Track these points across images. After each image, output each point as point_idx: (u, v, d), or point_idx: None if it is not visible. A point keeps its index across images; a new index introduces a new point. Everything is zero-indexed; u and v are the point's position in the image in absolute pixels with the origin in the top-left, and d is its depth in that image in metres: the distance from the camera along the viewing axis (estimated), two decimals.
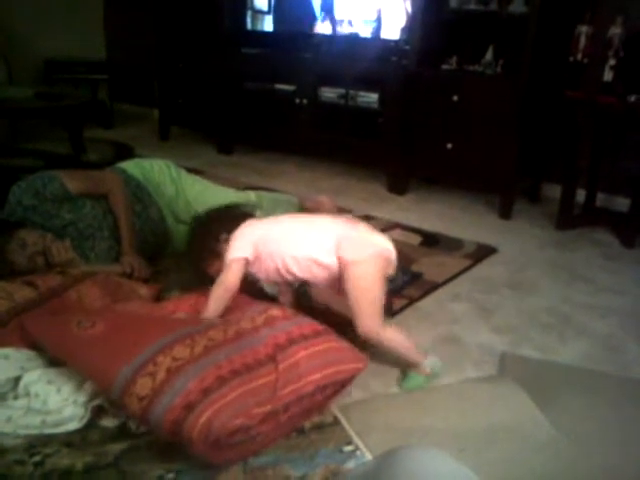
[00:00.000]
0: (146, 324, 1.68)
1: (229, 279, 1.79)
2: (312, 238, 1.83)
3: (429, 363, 1.82)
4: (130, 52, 5.58)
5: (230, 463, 1.41)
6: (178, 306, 1.88)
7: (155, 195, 2.52)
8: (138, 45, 5.42)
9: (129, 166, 2.56)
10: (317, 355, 1.57)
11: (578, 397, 1.79)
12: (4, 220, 2.13)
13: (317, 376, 1.51)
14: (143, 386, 1.39)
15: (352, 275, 1.75)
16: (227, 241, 1.86)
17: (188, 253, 2.08)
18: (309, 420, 1.57)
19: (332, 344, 1.65)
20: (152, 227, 2.45)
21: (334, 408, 1.64)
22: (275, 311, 1.72)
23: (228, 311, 1.79)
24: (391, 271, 1.85)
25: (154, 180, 2.55)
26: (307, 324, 1.68)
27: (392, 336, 1.78)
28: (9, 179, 2.34)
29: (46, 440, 1.46)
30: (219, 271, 1.83)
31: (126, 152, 3.63)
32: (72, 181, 2.25)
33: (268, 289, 2.11)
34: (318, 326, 1.69)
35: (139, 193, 2.46)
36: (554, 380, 1.89)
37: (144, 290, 2.10)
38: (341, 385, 1.60)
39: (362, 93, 3.77)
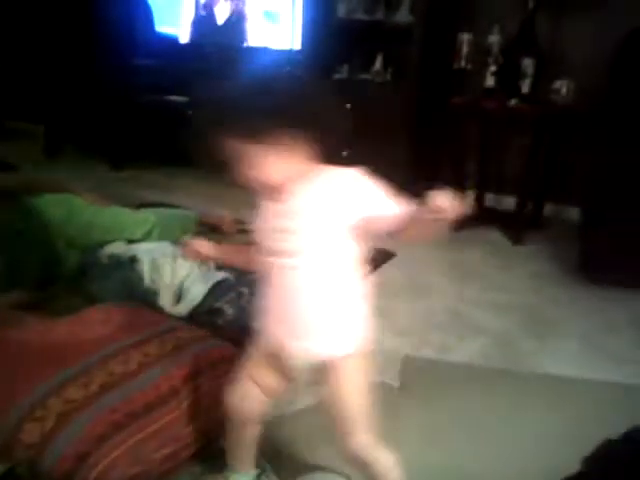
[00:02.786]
0: (38, 357, 1.56)
1: None
2: None
3: None
4: (12, 61, 5.24)
5: None
6: (79, 324, 1.74)
7: (44, 217, 2.38)
8: (22, 54, 5.11)
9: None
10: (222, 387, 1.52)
11: (476, 394, 1.86)
12: None
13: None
14: (31, 433, 1.30)
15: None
16: None
17: None
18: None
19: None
20: (40, 250, 2.32)
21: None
22: (184, 332, 1.66)
23: (132, 328, 1.69)
24: None
25: (43, 201, 2.41)
26: (217, 348, 1.64)
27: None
28: None
29: None
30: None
31: (8, 171, 3.40)
32: None
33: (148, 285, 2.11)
34: (228, 350, 1.65)
35: (26, 214, 2.32)
36: (454, 380, 1.96)
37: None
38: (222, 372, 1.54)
39: None
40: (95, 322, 1.73)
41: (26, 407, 1.34)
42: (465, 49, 3.26)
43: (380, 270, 2.74)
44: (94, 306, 1.86)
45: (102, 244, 2.44)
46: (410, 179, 3.43)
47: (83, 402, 1.37)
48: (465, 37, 3.25)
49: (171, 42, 4.21)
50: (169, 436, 1.36)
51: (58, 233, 2.40)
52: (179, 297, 2.22)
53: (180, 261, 2.34)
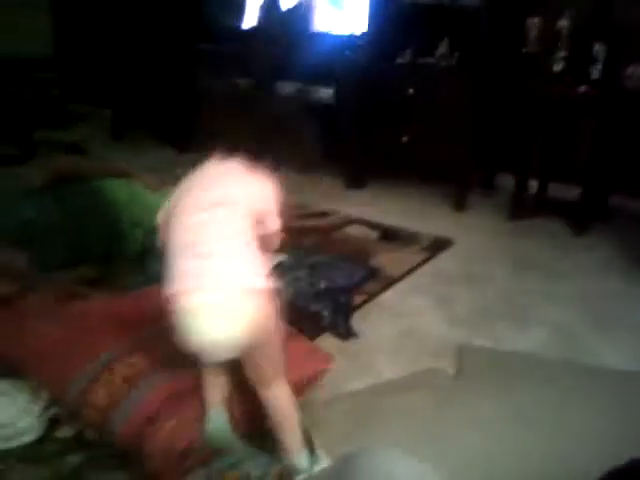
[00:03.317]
0: (103, 327, 1.64)
1: None
2: None
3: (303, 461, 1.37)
4: (82, 49, 5.43)
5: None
6: (143, 299, 1.80)
7: (110, 197, 2.47)
8: (90, 41, 5.28)
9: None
10: None
11: (535, 386, 1.83)
12: None
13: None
14: (101, 396, 1.38)
15: None
16: None
17: None
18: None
19: (293, 346, 1.65)
20: (105, 228, 2.41)
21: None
22: None
23: None
24: None
25: (109, 181, 2.50)
26: None
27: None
28: None
29: None
30: None
31: (78, 152, 3.54)
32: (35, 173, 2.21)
33: None
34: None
35: (96, 193, 2.41)
36: (511, 370, 1.93)
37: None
38: (303, 386, 1.60)
39: (319, 87, 3.76)
40: (158, 298, 1.79)
41: (93, 372, 1.43)
42: (534, 33, 3.17)
43: (438, 258, 2.72)
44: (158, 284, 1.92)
45: None
46: (473, 165, 3.39)
47: (148, 368, 1.45)
48: (534, 21, 3.16)
49: (236, 27, 4.25)
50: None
51: (123, 213, 2.48)
52: None
53: None
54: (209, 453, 1.41)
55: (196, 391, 1.41)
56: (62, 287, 2.03)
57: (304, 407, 1.63)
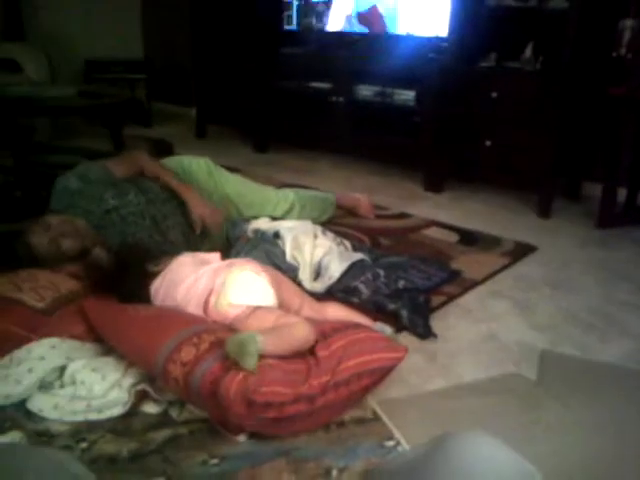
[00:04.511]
0: (187, 314, 1.74)
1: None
2: None
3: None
4: (167, 52, 5.65)
5: (262, 431, 1.47)
6: None
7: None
8: (175, 45, 5.49)
9: (168, 161, 2.60)
10: (354, 343, 1.60)
11: (620, 396, 1.76)
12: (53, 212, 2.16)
13: (352, 363, 1.53)
14: (187, 353, 1.49)
15: None
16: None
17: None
18: (347, 413, 1.57)
19: (369, 334, 1.67)
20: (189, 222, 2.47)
21: (373, 403, 1.64)
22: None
23: None
24: None
25: (192, 175, 2.58)
26: (337, 322, 1.74)
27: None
28: (50, 175, 2.38)
29: (91, 426, 1.49)
30: None
31: (166, 148, 3.68)
32: (115, 165, 2.30)
33: (290, 261, 2.25)
34: (349, 322, 1.74)
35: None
36: (595, 379, 1.87)
37: None
38: (379, 377, 1.60)
39: (398, 91, 3.75)
40: None
41: (184, 336, 1.55)
42: (627, 36, 3.06)
43: (520, 263, 2.65)
44: None
45: (248, 218, 2.57)
46: (557, 172, 3.29)
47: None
48: (628, 23, 3.04)
49: (316, 30, 4.31)
50: (301, 379, 1.47)
51: None
52: (317, 274, 2.30)
53: (320, 239, 2.41)
54: (282, 427, 1.45)
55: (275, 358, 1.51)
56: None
57: (383, 404, 1.64)
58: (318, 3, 4.25)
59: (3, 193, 2.55)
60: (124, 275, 1.84)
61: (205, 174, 2.63)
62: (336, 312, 1.84)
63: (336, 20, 4.21)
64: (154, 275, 1.83)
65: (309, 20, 4.34)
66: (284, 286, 1.83)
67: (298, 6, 4.34)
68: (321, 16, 4.28)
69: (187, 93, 5.38)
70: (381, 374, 1.60)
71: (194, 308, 1.71)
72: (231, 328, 1.65)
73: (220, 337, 1.54)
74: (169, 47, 5.61)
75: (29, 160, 3.44)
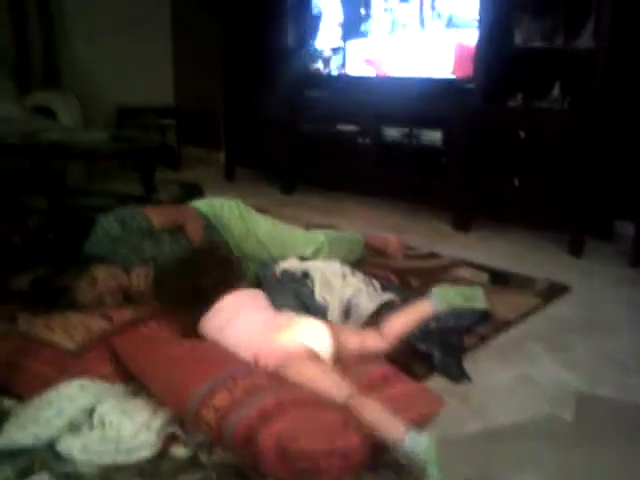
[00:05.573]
0: (224, 356, 1.74)
1: None
2: None
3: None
4: (197, 98, 5.79)
5: None
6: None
7: (224, 234, 2.56)
8: (205, 91, 5.62)
9: (200, 205, 2.63)
10: (389, 400, 1.56)
11: None
12: (89, 256, 2.19)
13: None
14: (221, 399, 1.47)
15: None
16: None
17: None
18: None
19: (404, 387, 1.64)
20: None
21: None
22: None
23: None
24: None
25: (224, 219, 2.60)
26: (376, 369, 1.73)
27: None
28: (83, 218, 2.43)
29: (119, 469, 1.47)
30: None
31: (196, 192, 3.72)
32: (156, 216, 2.33)
33: (319, 300, 2.22)
34: (386, 369, 1.73)
35: (209, 231, 2.50)
36: (633, 422, 1.81)
37: None
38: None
39: (425, 131, 3.77)
40: None
41: (216, 382, 1.53)
42: None
43: (553, 303, 2.60)
44: None
45: (277, 259, 2.57)
46: (588, 211, 3.25)
47: (268, 384, 1.55)
48: None
49: (341, 75, 4.38)
50: (340, 433, 1.42)
51: (237, 248, 2.57)
52: (346, 314, 2.27)
53: (349, 279, 2.40)
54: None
55: (314, 406, 1.48)
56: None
57: None
58: (337, 49, 4.34)
59: (37, 236, 2.60)
60: (210, 265, 1.99)
61: (237, 217, 2.64)
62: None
63: (359, 64, 4.29)
64: (228, 288, 1.93)
65: (330, 64, 4.43)
66: (343, 334, 1.85)
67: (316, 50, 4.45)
68: (343, 61, 4.37)
69: (216, 137, 5.48)
70: (419, 427, 1.56)
71: (245, 344, 1.74)
72: (268, 373, 1.63)
73: (256, 383, 1.52)
74: (199, 93, 5.75)
75: (63, 203, 3.51)
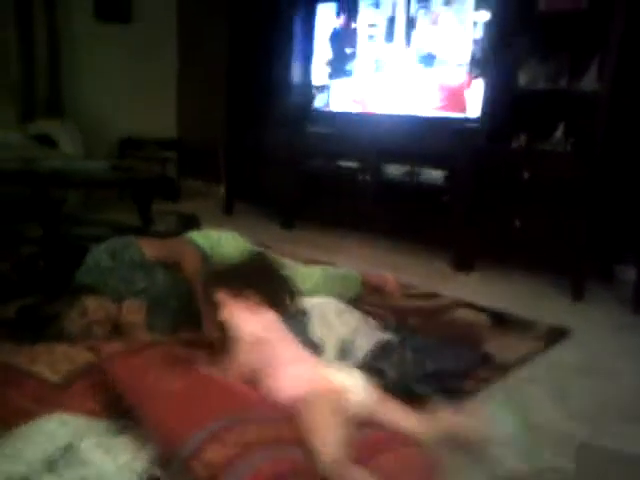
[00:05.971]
0: (226, 394, 1.64)
1: None
2: None
3: None
4: (199, 131, 5.81)
5: None
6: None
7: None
8: (207, 125, 5.64)
9: (197, 237, 2.59)
10: (384, 468, 1.48)
11: None
12: (80, 286, 2.15)
13: None
14: (214, 453, 1.37)
15: None
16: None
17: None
18: None
19: (399, 454, 1.57)
20: None
21: None
22: None
23: None
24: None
25: (221, 251, 2.55)
26: (372, 433, 1.62)
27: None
28: (80, 247, 2.40)
29: None
30: None
31: (193, 223, 3.69)
32: (149, 248, 2.29)
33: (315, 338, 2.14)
34: (382, 434, 1.63)
35: (205, 264, 2.46)
36: (635, 472, 1.73)
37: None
38: None
39: (427, 170, 3.76)
40: None
41: (212, 431, 1.43)
42: None
43: (554, 348, 2.53)
44: None
45: None
46: (590, 255, 3.21)
47: (265, 441, 1.44)
48: None
49: (342, 112, 4.40)
50: None
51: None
52: (343, 353, 2.20)
53: (345, 317, 2.34)
54: None
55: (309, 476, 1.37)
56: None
57: None
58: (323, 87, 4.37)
59: (27, 264, 2.56)
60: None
61: (234, 250, 2.60)
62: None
63: (345, 101, 4.33)
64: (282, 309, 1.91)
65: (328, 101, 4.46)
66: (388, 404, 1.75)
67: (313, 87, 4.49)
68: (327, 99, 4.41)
69: (216, 171, 5.48)
70: None
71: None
72: (279, 408, 1.57)
73: (254, 436, 1.43)
74: (201, 127, 5.78)
75: (57, 232, 3.47)
